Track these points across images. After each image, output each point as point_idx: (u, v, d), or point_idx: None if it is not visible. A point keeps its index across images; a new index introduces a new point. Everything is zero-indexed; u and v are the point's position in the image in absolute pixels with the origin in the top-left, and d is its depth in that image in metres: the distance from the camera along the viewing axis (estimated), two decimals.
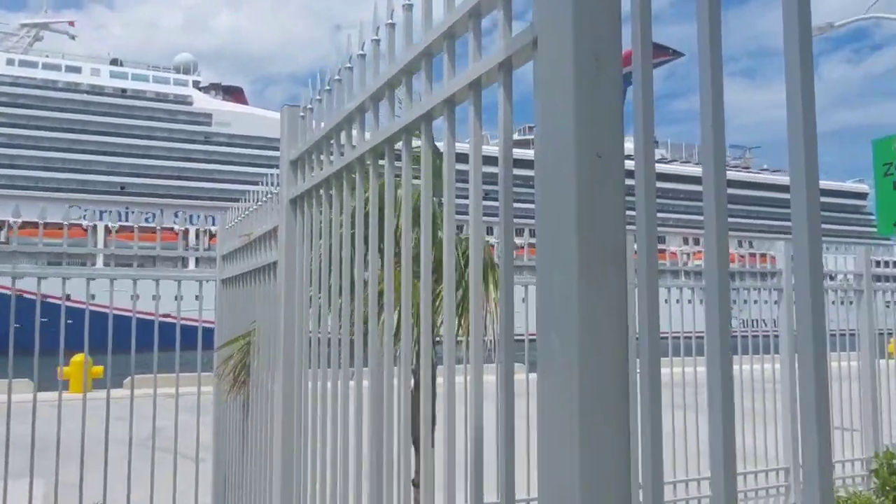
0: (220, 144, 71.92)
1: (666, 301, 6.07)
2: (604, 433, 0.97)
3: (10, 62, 68.94)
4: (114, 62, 76.09)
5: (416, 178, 1.79)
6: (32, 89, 68.03)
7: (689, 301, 6.22)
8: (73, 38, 79.48)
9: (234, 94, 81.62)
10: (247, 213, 4.05)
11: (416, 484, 1.91)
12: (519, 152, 1.45)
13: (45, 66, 70.43)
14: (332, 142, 2.44)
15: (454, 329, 1.50)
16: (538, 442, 1.04)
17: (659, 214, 1.03)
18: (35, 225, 4.26)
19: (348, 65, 2.26)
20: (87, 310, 4.11)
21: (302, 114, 2.84)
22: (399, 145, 1.86)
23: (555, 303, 1.02)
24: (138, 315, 4.23)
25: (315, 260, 2.60)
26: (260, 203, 3.71)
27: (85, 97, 70.08)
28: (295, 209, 2.89)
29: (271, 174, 3.47)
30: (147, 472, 4.68)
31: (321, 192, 2.56)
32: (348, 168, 2.25)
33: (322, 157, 2.58)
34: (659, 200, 1.03)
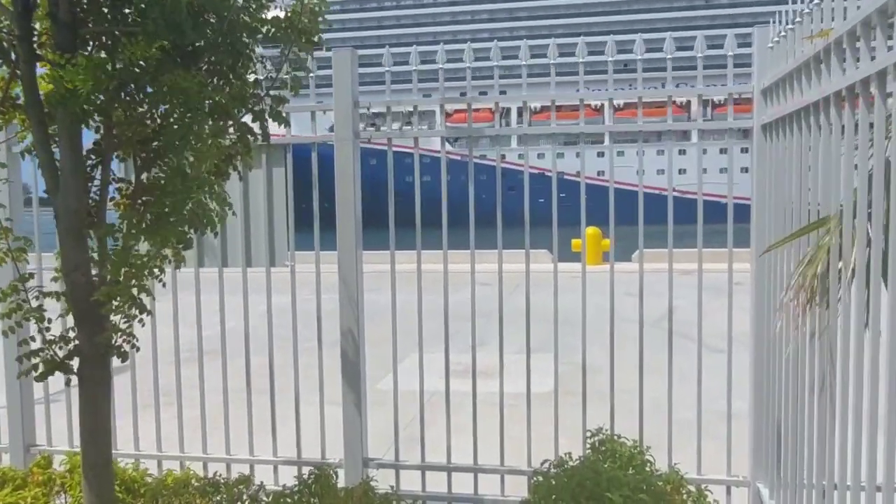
0: (722, 7, 67.68)
1: None
2: None
3: None
4: None
5: None
6: None
7: None
8: None
9: None
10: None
11: None
12: None
13: None
14: None
15: None
16: None
17: None
18: (547, 109, 4.39)
19: None
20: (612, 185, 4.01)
21: None
22: None
23: None
24: (646, 190, 4.09)
25: None
26: None
27: None
28: None
29: None
30: (659, 357, 4.10)
31: None
32: None
33: None
34: None
